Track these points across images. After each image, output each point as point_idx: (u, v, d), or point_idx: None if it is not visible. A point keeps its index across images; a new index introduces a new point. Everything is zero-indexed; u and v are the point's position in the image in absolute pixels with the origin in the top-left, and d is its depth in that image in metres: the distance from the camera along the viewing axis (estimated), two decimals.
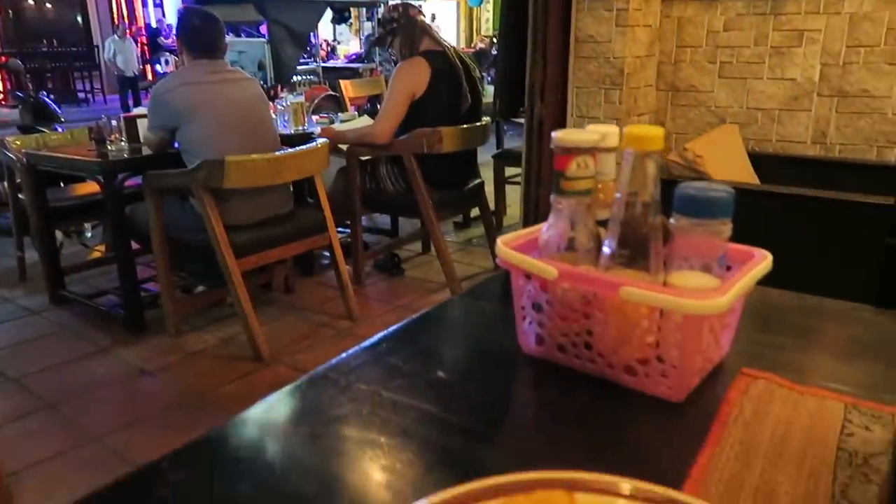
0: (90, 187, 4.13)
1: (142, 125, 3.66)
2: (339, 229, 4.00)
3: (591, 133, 0.91)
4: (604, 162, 0.96)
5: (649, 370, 0.87)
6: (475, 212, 4.90)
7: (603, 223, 0.93)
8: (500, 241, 0.95)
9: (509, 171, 5.18)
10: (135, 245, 3.73)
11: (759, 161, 3.33)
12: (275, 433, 0.81)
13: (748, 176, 3.22)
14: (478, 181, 4.27)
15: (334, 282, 3.84)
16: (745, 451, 0.76)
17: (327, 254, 4.12)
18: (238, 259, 3.22)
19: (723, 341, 0.95)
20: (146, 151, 3.63)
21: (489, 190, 4.63)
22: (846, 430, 0.80)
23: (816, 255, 2.27)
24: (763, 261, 0.91)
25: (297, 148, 3.42)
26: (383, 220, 5.21)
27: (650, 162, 0.85)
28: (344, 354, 0.98)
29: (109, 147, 3.73)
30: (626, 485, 0.64)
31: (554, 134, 0.90)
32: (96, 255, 4.87)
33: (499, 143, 6.08)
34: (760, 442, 0.78)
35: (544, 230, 0.95)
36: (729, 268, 0.91)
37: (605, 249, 0.89)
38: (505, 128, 6.62)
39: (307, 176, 3.49)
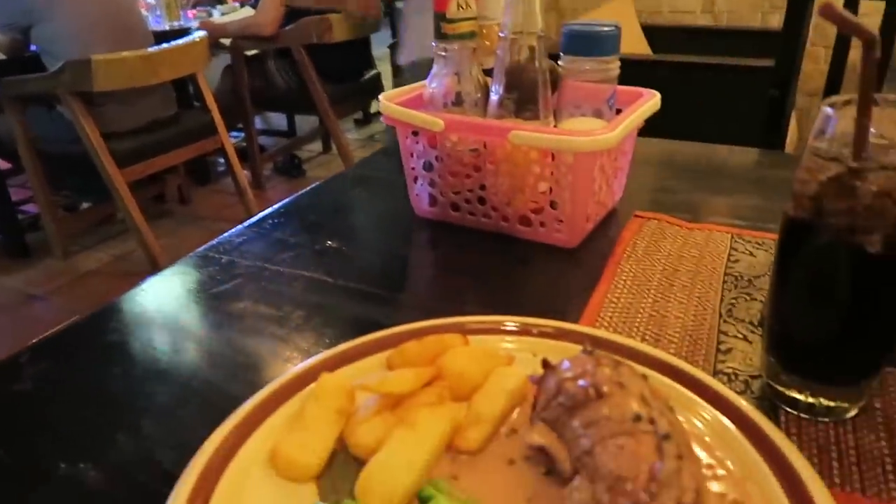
0: None
1: None
2: (233, 133, 3.77)
3: None
4: (488, 2, 0.89)
5: (544, 219, 0.85)
6: (375, 107, 4.74)
7: (489, 72, 0.88)
8: (383, 97, 0.89)
9: None
10: (5, 164, 3.39)
11: (652, 33, 3.34)
12: (152, 317, 0.75)
13: (642, 47, 3.23)
14: (374, 72, 4.09)
15: (232, 188, 3.66)
16: (637, 286, 0.76)
17: (223, 160, 3.90)
18: (121, 169, 2.98)
19: (615, 187, 0.94)
20: None
21: (387, 84, 4.46)
22: (732, 257, 0.82)
23: (709, 118, 2.33)
24: (651, 99, 0.89)
25: (173, 43, 3.13)
26: (278, 120, 4.96)
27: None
28: (225, 234, 0.91)
29: None
30: (512, 322, 0.63)
31: None
32: None
33: (394, 33, 5.82)
34: (652, 276, 0.79)
35: (428, 83, 0.89)
36: (619, 111, 0.89)
37: (493, 96, 0.85)
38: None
39: (187, 74, 3.22)
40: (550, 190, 0.83)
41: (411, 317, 0.64)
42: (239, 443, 0.50)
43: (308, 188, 1.06)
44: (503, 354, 0.60)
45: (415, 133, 0.89)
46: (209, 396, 0.61)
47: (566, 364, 0.50)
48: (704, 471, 0.48)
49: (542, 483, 0.48)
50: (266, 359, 0.67)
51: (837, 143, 0.50)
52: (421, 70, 0.95)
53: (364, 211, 1.03)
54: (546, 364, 0.51)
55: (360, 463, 0.49)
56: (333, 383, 0.54)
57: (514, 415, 0.55)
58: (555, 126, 0.87)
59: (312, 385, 0.55)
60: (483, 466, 0.50)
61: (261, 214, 0.95)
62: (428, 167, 0.90)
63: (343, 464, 0.51)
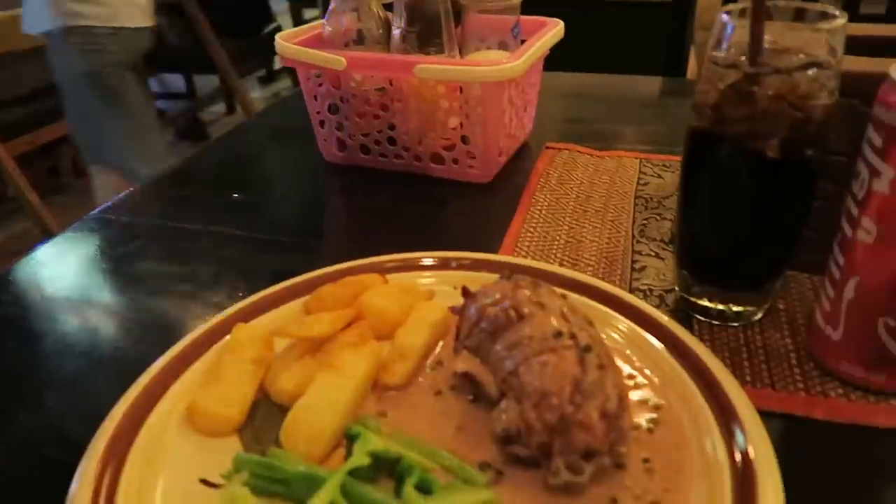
0: None
1: None
2: None
3: None
4: None
5: (456, 155, 0.84)
6: (279, 63, 4.55)
7: (391, 7, 0.85)
8: (279, 37, 0.84)
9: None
10: None
11: None
12: (47, 286, 0.70)
13: None
14: (274, 25, 3.92)
15: None
16: (552, 215, 0.77)
17: None
18: (6, 142, 2.76)
19: (525, 119, 0.94)
20: None
21: None
22: (642, 180, 0.84)
23: (613, 53, 2.37)
24: (555, 28, 0.88)
25: None
26: (176, 81, 4.70)
27: None
28: (122, 194, 0.85)
29: None
30: (430, 258, 0.62)
31: None
32: None
33: None
34: (566, 204, 0.79)
35: (326, 21, 0.85)
36: (524, 41, 0.88)
37: (395, 31, 0.82)
38: None
39: None
40: (461, 125, 0.82)
41: (328, 264, 0.62)
42: (152, 402, 0.47)
43: (207, 142, 1.01)
44: (423, 290, 0.59)
45: (317, 74, 0.85)
46: (118, 363, 0.58)
47: (486, 290, 0.50)
48: (626, 380, 0.49)
49: (470, 410, 0.48)
50: (177, 318, 0.64)
51: (734, 52, 0.50)
52: None
53: (270, 161, 0.98)
54: (466, 292, 0.51)
55: (283, 411, 0.48)
56: (248, 333, 0.52)
57: (438, 348, 0.54)
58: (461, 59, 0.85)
59: (227, 337, 0.53)
60: (410, 400, 0.49)
61: (159, 172, 0.90)
62: (333, 110, 0.86)
63: (266, 414, 0.49)
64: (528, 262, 0.61)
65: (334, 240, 0.79)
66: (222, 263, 0.71)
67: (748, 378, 0.52)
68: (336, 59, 0.79)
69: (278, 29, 3.94)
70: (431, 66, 0.75)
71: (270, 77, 5.14)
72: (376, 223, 0.79)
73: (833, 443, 0.47)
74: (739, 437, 0.43)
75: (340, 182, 0.89)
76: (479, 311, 0.48)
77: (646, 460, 0.44)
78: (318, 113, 0.88)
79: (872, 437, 0.47)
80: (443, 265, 0.61)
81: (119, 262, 0.72)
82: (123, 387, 0.48)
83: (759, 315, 0.59)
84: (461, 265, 0.61)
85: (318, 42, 0.86)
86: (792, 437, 0.47)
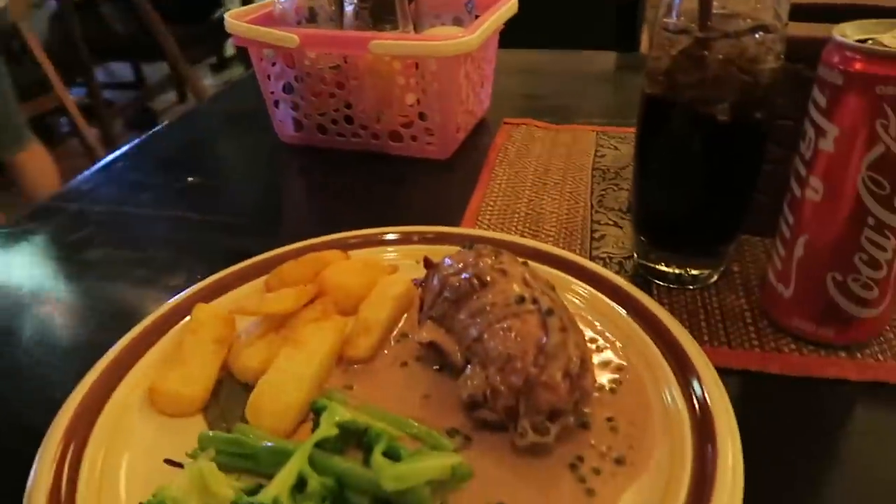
0: None
1: None
2: (73, 90, 3.43)
3: None
4: None
5: (414, 132, 0.83)
6: (231, 50, 4.44)
7: None
8: (229, 15, 0.82)
9: None
10: None
11: None
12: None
13: None
14: (223, 10, 3.82)
15: (81, 149, 3.35)
16: (512, 188, 0.77)
17: (66, 119, 3.55)
18: None
19: (482, 96, 0.94)
20: None
21: None
22: (598, 153, 0.85)
23: (568, 28, 2.39)
24: (508, 2, 0.88)
25: None
26: (123, 71, 4.55)
27: None
28: (72, 181, 0.82)
29: None
30: (393, 232, 0.62)
31: None
32: None
33: None
34: (525, 177, 0.80)
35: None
36: (478, 16, 0.87)
37: (348, 8, 0.81)
38: None
39: None
40: (418, 101, 0.81)
41: (287, 245, 0.61)
42: (113, 384, 0.47)
43: (159, 126, 0.98)
44: (386, 265, 0.59)
45: (270, 53, 0.83)
46: (76, 350, 0.56)
47: (448, 261, 0.50)
48: (589, 344, 0.50)
49: (436, 379, 0.49)
50: (135, 303, 0.62)
51: (685, 19, 0.51)
52: None
53: (225, 144, 0.97)
54: (428, 262, 0.51)
55: (248, 389, 0.47)
56: (209, 313, 0.51)
57: (403, 321, 0.54)
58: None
59: (187, 318, 0.52)
60: (376, 373, 0.49)
61: (109, 157, 0.87)
62: (288, 89, 0.85)
63: (230, 392, 0.48)
64: (489, 233, 0.62)
65: (293, 221, 0.79)
66: (179, 247, 0.70)
67: (706, 338, 0.54)
68: (288, 37, 0.77)
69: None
70: (386, 42, 0.74)
71: (222, 64, 5.02)
72: (335, 203, 0.79)
73: (787, 395, 0.49)
74: (697, 389, 0.44)
75: (298, 163, 0.88)
76: (442, 281, 0.48)
77: (609, 419, 0.45)
78: (272, 93, 0.87)
79: (823, 388, 0.49)
80: (405, 239, 0.61)
81: (70, 249, 0.70)
82: (82, 374, 0.47)
83: (715, 277, 0.60)
84: (423, 239, 0.61)
85: (269, 20, 0.85)
86: (748, 392, 0.49)
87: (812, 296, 0.51)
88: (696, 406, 0.43)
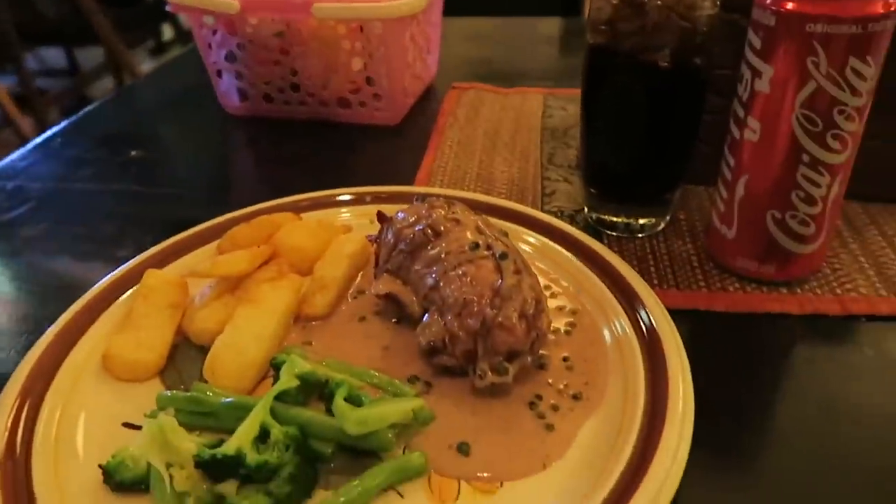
0: None
1: None
2: (3, 77, 3.28)
3: None
4: None
5: (363, 98, 0.83)
6: (169, 33, 4.31)
7: None
8: None
9: None
10: None
11: None
12: None
13: None
14: None
15: (15, 140, 3.21)
16: (463, 150, 0.78)
17: None
18: None
19: (429, 61, 0.93)
20: None
21: None
22: (546, 114, 0.86)
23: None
24: None
25: None
26: (55, 57, 4.37)
27: None
28: (6, 159, 0.79)
29: None
30: (346, 194, 0.62)
31: None
32: None
33: None
34: (476, 139, 0.80)
35: None
36: None
37: None
38: None
39: None
40: (365, 66, 0.81)
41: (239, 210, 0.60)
42: (66, 349, 0.46)
43: (99, 101, 0.95)
44: (339, 225, 0.59)
45: (210, 21, 0.81)
46: (21, 325, 0.55)
47: (401, 214, 0.50)
48: (543, 290, 0.51)
49: (395, 331, 0.49)
50: (81, 276, 0.60)
51: None
52: None
53: (168, 118, 0.94)
54: (381, 216, 0.51)
55: (204, 352, 0.47)
56: (160, 278, 0.50)
57: (359, 278, 0.54)
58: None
59: (136, 286, 0.51)
60: (335, 328, 0.50)
61: (47, 133, 0.84)
62: (231, 58, 0.83)
63: (186, 356, 0.48)
64: (441, 190, 0.62)
65: (242, 191, 0.77)
66: (125, 220, 0.68)
67: (655, 281, 0.55)
68: (228, 3, 0.76)
69: None
70: (329, 6, 0.73)
71: (161, 48, 4.86)
72: (285, 172, 0.78)
73: (733, 331, 0.51)
74: (644, 318, 0.46)
75: (245, 133, 0.87)
76: (396, 233, 0.49)
77: (565, 359, 0.46)
78: (214, 63, 0.85)
79: (766, 323, 0.51)
80: (358, 200, 0.61)
81: (10, 226, 0.68)
82: (28, 348, 0.46)
83: (662, 225, 0.62)
84: (376, 199, 0.61)
85: None
86: (697, 330, 0.51)
87: (753, 235, 0.53)
88: (645, 332, 0.45)
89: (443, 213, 0.48)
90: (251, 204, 0.61)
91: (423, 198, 0.51)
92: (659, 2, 0.50)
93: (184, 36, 4.05)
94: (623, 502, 0.36)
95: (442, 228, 0.47)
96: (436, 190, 0.62)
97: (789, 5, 0.45)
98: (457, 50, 1.06)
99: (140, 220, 0.68)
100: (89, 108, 0.92)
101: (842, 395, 0.45)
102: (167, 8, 0.79)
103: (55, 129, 0.86)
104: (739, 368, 0.48)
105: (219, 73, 0.86)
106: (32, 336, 0.47)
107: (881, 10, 0.43)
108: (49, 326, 0.47)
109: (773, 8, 0.46)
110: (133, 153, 0.80)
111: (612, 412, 0.41)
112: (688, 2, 0.51)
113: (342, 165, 0.78)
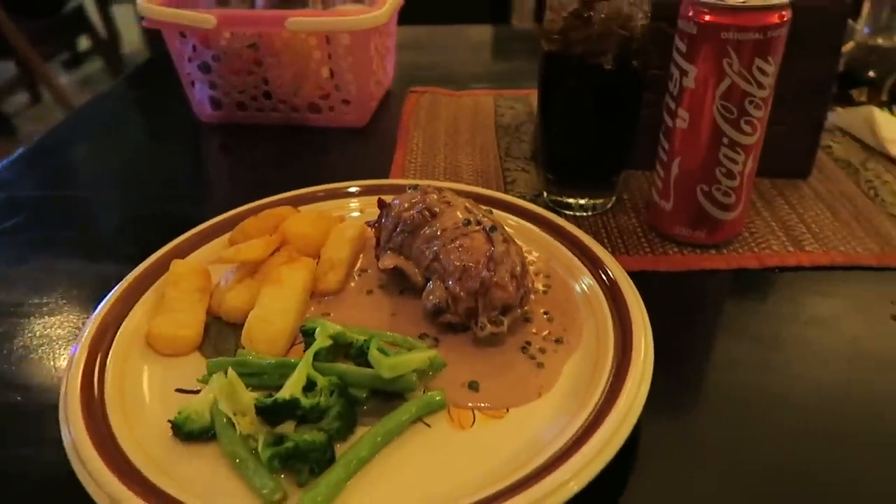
0: None
1: None
2: None
3: None
4: None
5: (331, 103, 0.90)
6: (85, 44, 4.18)
7: None
8: (140, 0, 0.84)
9: None
10: None
11: None
12: None
13: None
14: (75, 3, 3.61)
15: None
16: (429, 147, 0.86)
17: None
18: None
19: (388, 67, 1.02)
20: None
21: (92, 13, 3.95)
22: (498, 112, 0.96)
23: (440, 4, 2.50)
24: None
25: None
26: None
27: None
28: None
29: None
30: (354, 186, 0.69)
31: None
32: None
33: None
34: (439, 137, 0.89)
35: None
36: None
37: None
38: None
39: None
40: (332, 74, 0.88)
41: (223, 210, 0.66)
42: (111, 334, 0.51)
43: (78, 108, 0.98)
44: (335, 215, 0.66)
45: (182, 34, 0.87)
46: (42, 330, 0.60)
47: (397, 201, 0.58)
48: None
49: (400, 300, 0.57)
50: (91, 275, 0.65)
51: None
52: None
53: (143, 127, 0.98)
54: (381, 202, 0.59)
55: (234, 328, 0.54)
56: (187, 267, 0.57)
57: (360, 260, 0.62)
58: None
59: (165, 275, 0.57)
60: (348, 301, 0.57)
61: (15, 154, 0.87)
62: (205, 69, 0.89)
63: (218, 332, 0.54)
64: (430, 181, 0.70)
65: (223, 191, 0.83)
66: (123, 222, 0.73)
67: (609, 250, 0.65)
68: (205, 18, 0.81)
69: (80, 7, 3.63)
70: (303, 20, 0.80)
71: (76, 60, 4.71)
72: (263, 174, 0.84)
73: (675, 286, 0.62)
74: (607, 276, 0.56)
75: (219, 140, 0.92)
76: (396, 217, 0.57)
77: (546, 312, 0.55)
78: (188, 74, 0.90)
79: (701, 278, 0.63)
80: (366, 191, 0.69)
81: (8, 234, 0.71)
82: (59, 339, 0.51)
83: (610, 204, 0.73)
84: (374, 190, 0.69)
85: (179, 2, 0.88)
86: (646, 288, 0.60)
87: (687, 206, 0.64)
88: (608, 287, 0.55)
89: (435, 197, 0.56)
90: (233, 202, 0.67)
91: (415, 186, 0.59)
92: (602, 15, 0.61)
93: (102, 46, 3.95)
94: (600, 421, 0.44)
95: (437, 210, 0.55)
96: (424, 182, 0.71)
97: (707, 18, 0.56)
98: (401, 57, 1.15)
99: (137, 221, 0.73)
100: (60, 123, 0.96)
101: (764, 330, 0.57)
102: (143, 24, 0.84)
103: (19, 151, 0.88)
104: (683, 315, 0.59)
105: (192, 83, 0.91)
106: (59, 326, 0.53)
107: (777, 20, 0.55)
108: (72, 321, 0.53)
109: (695, 20, 0.57)
110: (114, 163, 0.85)
111: (589, 351, 0.51)
112: (625, 15, 0.61)
113: (317, 165, 0.86)
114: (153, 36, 0.84)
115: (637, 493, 0.43)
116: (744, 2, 0.55)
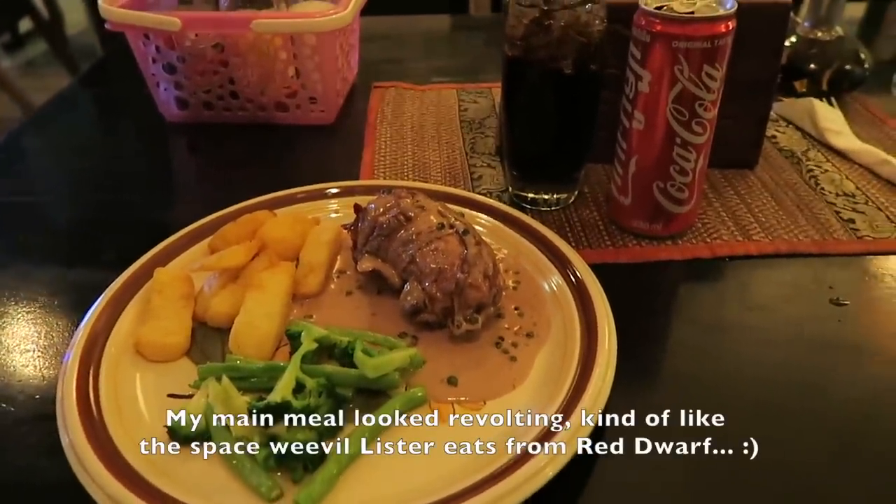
0: None
1: None
2: None
3: None
4: None
5: (298, 101, 0.92)
6: (26, 26, 4.03)
7: None
8: (102, 2, 0.84)
9: None
10: None
11: None
12: None
13: None
14: None
15: None
16: (396, 144, 0.89)
17: None
18: None
19: (352, 63, 1.03)
20: None
21: None
22: (462, 107, 0.98)
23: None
24: None
25: None
26: None
27: None
28: None
29: None
30: (334, 188, 0.72)
31: None
32: None
33: None
34: (406, 133, 0.91)
35: None
36: None
37: None
38: None
39: None
40: (298, 73, 0.89)
41: (200, 213, 0.67)
42: (101, 343, 0.53)
43: (37, 110, 0.98)
44: (310, 218, 0.69)
45: (147, 36, 0.87)
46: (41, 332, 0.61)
47: (373, 205, 0.61)
48: None
49: (379, 300, 0.60)
50: (70, 282, 0.67)
51: None
52: None
53: (106, 128, 0.98)
54: (357, 207, 0.61)
55: (220, 332, 0.56)
56: (170, 275, 0.59)
57: (338, 263, 0.65)
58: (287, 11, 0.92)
59: (148, 283, 0.59)
60: (328, 303, 0.60)
61: None
62: (170, 69, 0.89)
63: (204, 336, 0.57)
64: (400, 183, 0.73)
65: (195, 192, 0.84)
66: (97, 226, 0.74)
67: (572, 243, 0.69)
68: (170, 21, 0.82)
69: None
70: (269, 21, 0.82)
71: (18, 42, 4.54)
72: (233, 173, 0.85)
73: (634, 276, 0.66)
74: (573, 274, 0.60)
75: (186, 140, 0.93)
76: (372, 221, 0.59)
77: (516, 308, 0.59)
78: (153, 75, 0.90)
79: (658, 267, 0.67)
80: (346, 192, 0.71)
81: None
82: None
83: (572, 199, 0.77)
84: (347, 192, 0.71)
85: (141, 4, 0.88)
86: (607, 278, 0.64)
87: (644, 201, 0.68)
88: (575, 284, 0.59)
89: (409, 201, 0.59)
90: (205, 202, 0.68)
91: (389, 190, 0.62)
92: (562, 23, 0.64)
93: (46, 28, 3.81)
94: (571, 408, 0.48)
95: (411, 214, 0.58)
96: (399, 182, 0.74)
97: (659, 27, 0.60)
98: (363, 51, 1.16)
99: (108, 224, 0.74)
100: (25, 123, 0.95)
101: (716, 315, 0.61)
102: (106, 26, 0.84)
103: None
104: (642, 303, 0.63)
105: (157, 84, 0.91)
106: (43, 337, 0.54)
107: (723, 30, 0.59)
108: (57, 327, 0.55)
109: (648, 29, 0.60)
110: (78, 165, 0.85)
111: (558, 344, 0.55)
112: (583, 21, 0.65)
113: (287, 163, 0.87)
114: (105, 30, 0.83)
115: (605, 470, 0.47)
116: (692, 13, 0.59)
